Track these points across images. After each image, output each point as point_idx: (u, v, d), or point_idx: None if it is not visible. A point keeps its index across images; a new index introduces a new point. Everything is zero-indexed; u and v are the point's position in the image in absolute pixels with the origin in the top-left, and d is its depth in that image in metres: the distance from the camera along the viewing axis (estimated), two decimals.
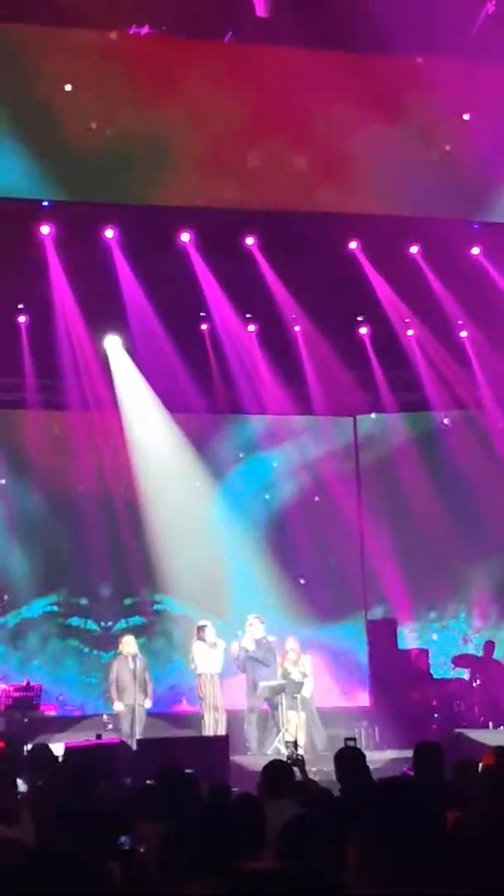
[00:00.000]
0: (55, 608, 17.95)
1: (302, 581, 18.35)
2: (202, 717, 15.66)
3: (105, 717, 15.89)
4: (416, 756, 7.47)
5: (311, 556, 18.59)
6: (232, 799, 6.00)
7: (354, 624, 18.80)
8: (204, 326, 17.61)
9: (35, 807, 7.01)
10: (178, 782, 6.15)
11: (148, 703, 15.65)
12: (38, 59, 14.01)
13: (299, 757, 9.09)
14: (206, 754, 12.62)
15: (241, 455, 19.07)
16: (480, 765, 7.73)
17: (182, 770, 6.78)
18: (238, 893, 2.37)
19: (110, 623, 18.04)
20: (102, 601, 18.08)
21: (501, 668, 17.74)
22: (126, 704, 15.43)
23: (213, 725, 15.50)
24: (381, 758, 13.34)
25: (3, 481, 17.92)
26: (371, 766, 7.94)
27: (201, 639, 15.80)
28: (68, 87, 13.97)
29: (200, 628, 15.92)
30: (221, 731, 15.21)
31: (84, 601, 18.07)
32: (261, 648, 16.00)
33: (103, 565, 17.87)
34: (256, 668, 15.94)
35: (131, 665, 15.58)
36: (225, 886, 2.44)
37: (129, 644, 15.88)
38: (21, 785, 8.72)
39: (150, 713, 15.76)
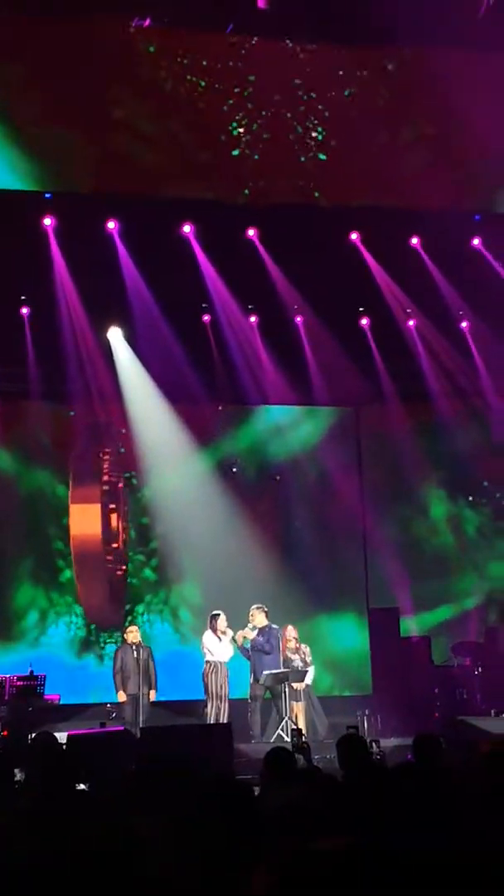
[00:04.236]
0: None
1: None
2: (205, 706, 15.77)
3: (109, 706, 15.97)
4: (416, 746, 7.56)
5: (313, 545, 18.68)
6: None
7: (356, 612, 18.90)
8: (206, 317, 17.66)
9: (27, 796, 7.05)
10: (177, 771, 6.19)
11: (153, 695, 15.73)
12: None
13: (305, 744, 9.19)
14: (209, 742, 12.69)
15: (243, 445, 19.13)
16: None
17: (180, 758, 6.81)
18: (307, 874, 2.32)
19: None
20: None
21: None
22: (130, 693, 15.54)
23: (216, 714, 15.60)
24: (383, 745, 13.42)
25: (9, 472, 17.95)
26: (373, 753, 8.02)
27: (212, 628, 15.91)
28: None
29: (213, 617, 16.01)
30: (224, 720, 15.31)
31: None
32: (264, 636, 16.10)
33: None
34: (259, 656, 16.05)
35: (135, 654, 15.69)
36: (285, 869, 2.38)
37: (133, 633, 15.99)
38: (18, 774, 8.77)
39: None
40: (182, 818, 4.19)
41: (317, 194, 15.21)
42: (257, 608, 16.30)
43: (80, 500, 18.21)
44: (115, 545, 18.33)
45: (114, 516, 18.37)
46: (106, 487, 18.34)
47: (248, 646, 16.12)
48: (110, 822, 4.49)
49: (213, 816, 4.06)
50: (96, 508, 18.25)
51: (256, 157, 14.96)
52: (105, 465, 18.36)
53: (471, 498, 19.72)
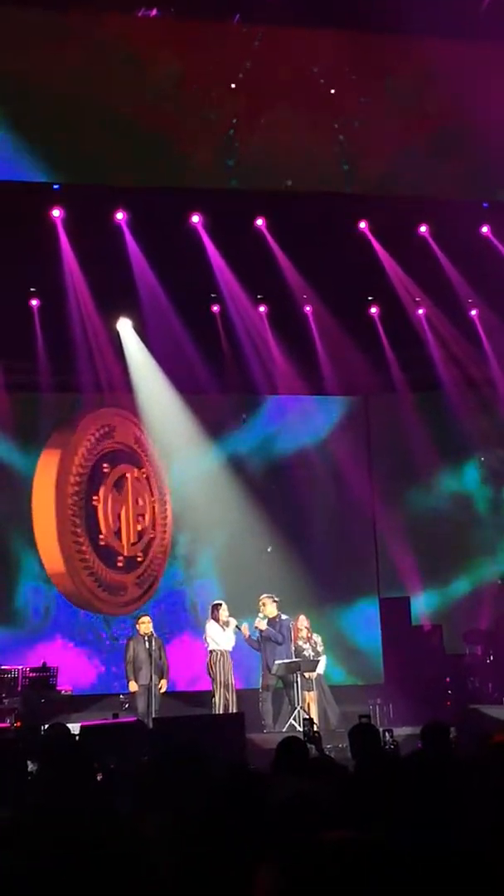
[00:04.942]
0: None
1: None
2: (212, 696, 15.80)
3: (122, 696, 16.02)
4: (424, 735, 7.56)
5: (323, 534, 18.71)
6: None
7: (368, 601, 18.91)
8: (215, 307, 17.65)
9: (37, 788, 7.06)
10: (189, 761, 6.17)
11: (163, 686, 15.76)
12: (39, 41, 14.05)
13: (316, 734, 9.20)
14: (221, 732, 12.73)
15: (253, 435, 19.13)
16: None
17: (192, 748, 6.79)
18: (312, 867, 2.31)
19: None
20: None
21: None
22: (141, 684, 15.59)
23: (223, 703, 15.64)
24: (396, 734, 13.42)
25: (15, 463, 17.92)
26: (386, 743, 8.01)
27: (214, 618, 15.97)
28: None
29: (215, 607, 16.09)
30: (232, 709, 15.37)
31: None
32: (274, 627, 16.13)
33: None
34: (270, 646, 16.08)
35: (147, 645, 15.72)
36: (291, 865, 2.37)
37: (145, 624, 16.01)
38: (31, 766, 8.79)
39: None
40: (189, 813, 4.18)
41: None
42: (267, 597, 16.33)
43: (38, 488, 18.10)
44: (101, 537, 18.23)
45: (99, 507, 18.25)
46: (80, 478, 18.19)
47: (256, 637, 16.15)
48: (116, 818, 4.49)
49: (223, 809, 4.05)
50: (50, 496, 18.09)
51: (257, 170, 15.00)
52: (81, 456, 18.21)
53: (484, 485, 19.71)
